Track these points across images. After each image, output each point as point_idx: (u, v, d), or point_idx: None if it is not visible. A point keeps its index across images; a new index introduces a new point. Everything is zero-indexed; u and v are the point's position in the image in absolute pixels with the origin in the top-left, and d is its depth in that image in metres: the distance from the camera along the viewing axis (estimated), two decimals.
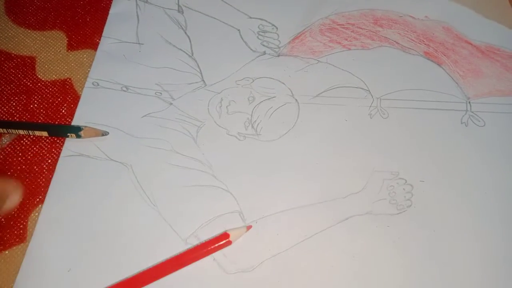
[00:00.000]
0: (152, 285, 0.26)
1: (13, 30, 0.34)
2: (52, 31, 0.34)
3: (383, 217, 0.28)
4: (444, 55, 0.32)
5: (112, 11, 0.35)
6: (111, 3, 0.36)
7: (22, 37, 0.34)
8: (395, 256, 0.27)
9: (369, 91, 0.32)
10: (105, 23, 0.34)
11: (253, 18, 0.34)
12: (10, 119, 0.31)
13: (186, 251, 0.27)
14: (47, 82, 0.32)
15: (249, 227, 0.27)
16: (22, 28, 0.34)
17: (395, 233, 0.27)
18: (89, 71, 0.32)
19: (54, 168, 0.29)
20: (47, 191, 0.28)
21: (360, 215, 0.28)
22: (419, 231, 0.27)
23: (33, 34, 0.34)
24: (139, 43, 0.33)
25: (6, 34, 0.34)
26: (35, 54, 0.33)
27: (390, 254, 0.27)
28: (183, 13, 0.35)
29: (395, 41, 0.33)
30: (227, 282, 0.26)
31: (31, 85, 0.32)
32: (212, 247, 0.26)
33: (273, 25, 0.33)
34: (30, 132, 0.30)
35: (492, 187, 0.28)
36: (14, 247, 0.27)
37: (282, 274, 0.26)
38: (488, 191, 0.28)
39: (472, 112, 0.30)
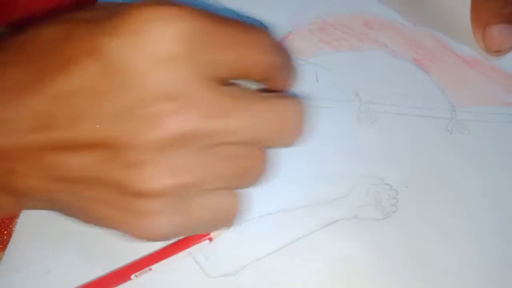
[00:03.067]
0: (129, 286, 0.25)
1: None
2: None
3: (369, 221, 0.28)
4: (432, 63, 0.33)
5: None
6: None
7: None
8: (380, 261, 0.27)
9: (357, 94, 0.32)
10: None
11: (242, 17, 0.34)
12: None
13: (165, 246, 0.26)
14: None
15: None
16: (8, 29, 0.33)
17: (380, 238, 0.27)
18: None
19: None
20: None
21: (345, 219, 0.28)
22: (404, 236, 0.27)
23: None
24: None
25: None
26: None
27: (375, 258, 0.27)
28: None
29: (384, 45, 0.33)
30: (209, 286, 0.26)
31: None
32: (192, 242, 0.26)
33: (262, 24, 0.33)
34: None
35: (476, 194, 0.29)
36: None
37: (266, 278, 0.26)
38: (472, 198, 0.28)
39: (457, 120, 0.31)
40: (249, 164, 0.22)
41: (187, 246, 0.26)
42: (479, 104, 0.31)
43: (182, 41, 0.19)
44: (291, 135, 0.22)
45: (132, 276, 0.25)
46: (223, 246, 0.27)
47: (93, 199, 0.21)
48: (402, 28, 0.34)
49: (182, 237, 0.26)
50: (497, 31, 0.31)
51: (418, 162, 0.29)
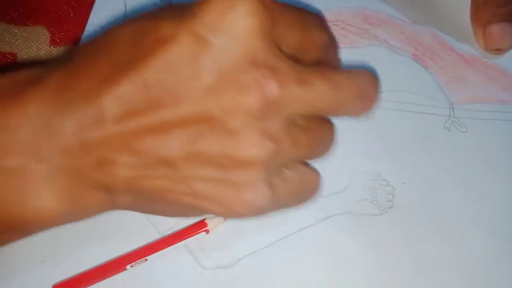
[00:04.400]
0: (126, 277, 0.25)
1: None
2: (34, 27, 0.33)
3: (365, 217, 0.28)
4: (431, 60, 0.33)
5: (97, 3, 0.34)
6: None
7: (3, 32, 0.33)
8: (375, 256, 0.27)
9: None
10: (88, 18, 0.34)
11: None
12: None
13: (162, 237, 0.26)
14: None
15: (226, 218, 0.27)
16: (2, 24, 0.33)
17: (376, 233, 0.27)
18: None
19: None
20: None
21: (342, 214, 0.28)
22: (399, 231, 0.27)
23: (14, 29, 0.33)
24: None
25: None
26: (16, 50, 0.32)
27: (370, 253, 0.27)
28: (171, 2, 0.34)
29: (384, 40, 0.33)
30: (204, 278, 0.26)
31: None
32: (188, 233, 0.26)
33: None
34: None
35: (473, 191, 0.29)
36: None
37: (261, 271, 0.26)
38: (469, 195, 0.29)
39: (455, 117, 0.31)
40: (323, 135, 0.24)
41: (183, 238, 0.26)
42: (477, 102, 0.32)
43: (257, 17, 0.20)
44: (366, 103, 0.23)
45: (128, 267, 0.25)
46: (218, 238, 0.27)
47: (191, 178, 0.21)
48: (402, 24, 0.34)
49: (180, 229, 0.26)
50: (497, 30, 0.32)
51: (415, 159, 0.29)
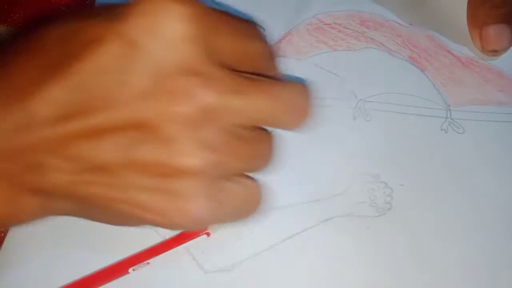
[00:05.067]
0: (128, 280, 0.26)
1: None
2: None
3: (364, 219, 0.28)
4: (428, 62, 0.33)
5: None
6: None
7: (4, 34, 0.33)
8: (374, 257, 0.27)
9: (353, 93, 0.32)
10: None
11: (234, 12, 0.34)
12: None
13: (163, 241, 0.26)
14: None
15: None
16: (3, 26, 0.33)
17: (374, 235, 0.28)
18: None
19: None
20: None
21: (341, 217, 0.28)
22: (398, 233, 0.28)
23: (14, 31, 0.33)
24: None
25: None
26: None
27: (370, 255, 0.27)
28: None
29: (381, 43, 0.33)
30: (205, 281, 0.26)
31: None
32: (190, 237, 0.26)
33: (260, 25, 0.33)
34: None
35: (470, 192, 0.29)
36: None
37: (261, 274, 0.26)
38: (466, 196, 0.29)
39: (452, 119, 0.31)
40: (263, 147, 0.23)
41: (185, 241, 0.26)
42: (474, 103, 0.32)
43: (192, 23, 0.19)
44: (300, 115, 0.23)
45: (130, 270, 0.26)
46: (220, 241, 0.27)
47: (128, 186, 0.20)
48: (398, 27, 0.34)
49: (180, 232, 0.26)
50: (493, 31, 0.32)
51: (413, 160, 0.30)
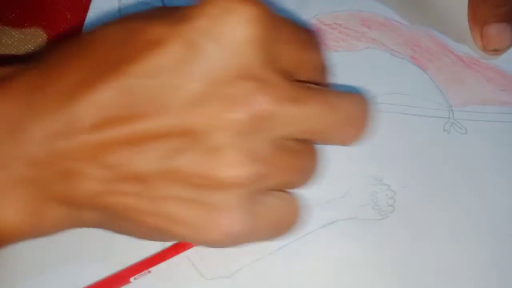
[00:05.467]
0: None
1: None
2: (31, 28, 0.33)
3: (366, 222, 0.28)
4: (429, 61, 0.33)
5: (93, 4, 0.34)
6: None
7: (0, 35, 0.32)
8: (378, 261, 0.27)
9: None
10: (85, 20, 0.34)
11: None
12: None
13: (164, 248, 0.26)
14: None
15: None
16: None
17: (378, 238, 0.27)
18: None
19: None
20: None
21: (343, 220, 0.28)
22: (402, 236, 0.27)
23: (11, 31, 0.32)
24: None
25: None
26: (13, 53, 0.32)
27: (373, 259, 0.27)
28: None
29: (382, 43, 0.33)
30: None
31: None
32: (190, 245, 0.26)
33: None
34: None
35: (474, 194, 0.29)
36: None
37: (263, 280, 0.26)
38: (470, 198, 0.29)
39: (454, 119, 0.31)
40: (309, 161, 0.22)
41: (185, 249, 0.26)
42: (477, 103, 0.31)
43: (256, 25, 0.19)
44: (358, 129, 0.22)
45: (131, 279, 0.25)
46: (220, 248, 0.27)
47: (160, 197, 0.19)
48: (400, 27, 0.34)
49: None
50: (495, 30, 0.31)
51: (416, 162, 0.29)
